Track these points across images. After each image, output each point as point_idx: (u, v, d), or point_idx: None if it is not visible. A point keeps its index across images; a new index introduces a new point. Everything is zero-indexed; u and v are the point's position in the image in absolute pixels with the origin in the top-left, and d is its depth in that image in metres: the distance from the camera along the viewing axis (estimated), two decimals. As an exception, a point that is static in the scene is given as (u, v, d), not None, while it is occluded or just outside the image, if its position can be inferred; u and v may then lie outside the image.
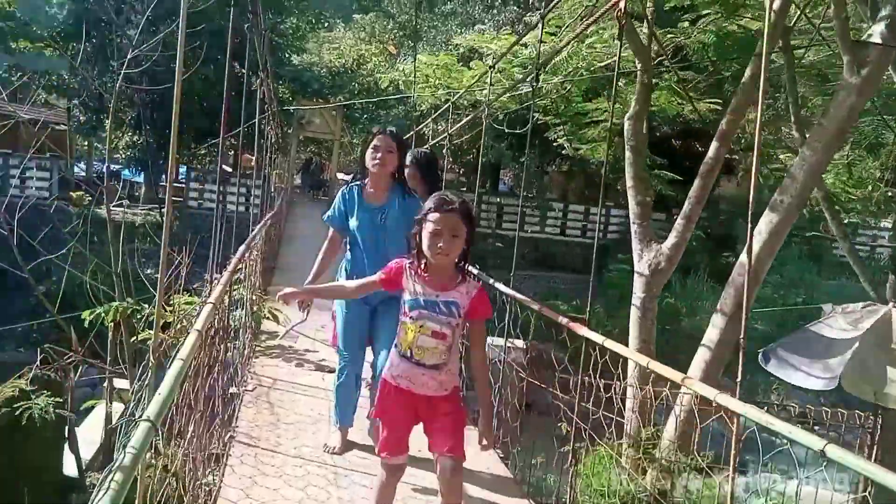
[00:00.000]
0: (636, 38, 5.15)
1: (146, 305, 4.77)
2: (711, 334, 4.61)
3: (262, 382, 4.34)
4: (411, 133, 16.93)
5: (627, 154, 5.28)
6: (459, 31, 17.49)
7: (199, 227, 20.72)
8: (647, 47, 5.33)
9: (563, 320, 3.59)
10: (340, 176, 27.18)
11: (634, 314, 5.31)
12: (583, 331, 3.37)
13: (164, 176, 24.38)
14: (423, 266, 2.38)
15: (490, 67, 5.17)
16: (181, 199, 21.81)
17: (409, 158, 3.67)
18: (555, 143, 11.28)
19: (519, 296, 4.04)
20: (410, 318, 2.38)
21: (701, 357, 4.56)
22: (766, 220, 4.77)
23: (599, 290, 22.79)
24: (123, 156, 24.38)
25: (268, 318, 5.40)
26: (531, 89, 4.82)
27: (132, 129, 22.48)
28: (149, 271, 18.54)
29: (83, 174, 27.14)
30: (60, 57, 20.66)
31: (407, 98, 18.78)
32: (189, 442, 2.53)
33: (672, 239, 5.11)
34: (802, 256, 22.30)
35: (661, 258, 5.01)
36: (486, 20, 17.64)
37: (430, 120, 10.02)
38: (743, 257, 4.41)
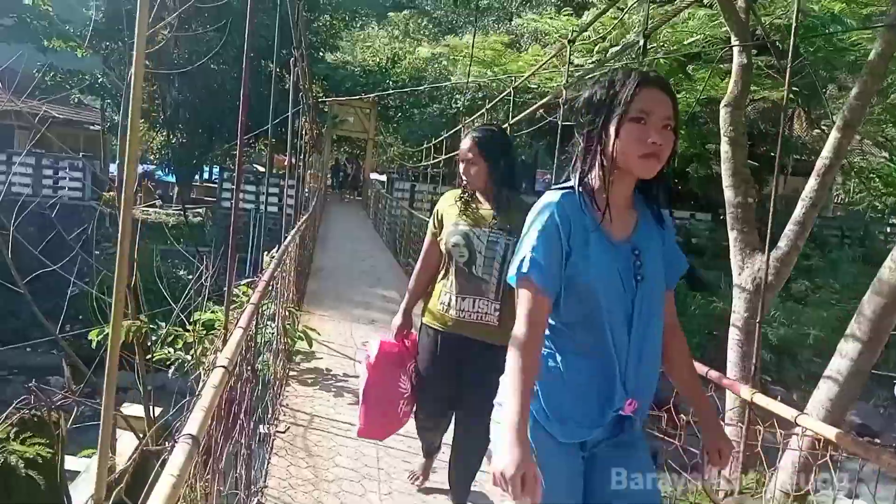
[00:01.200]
0: (733, 11, 4.37)
1: (162, 324, 4.12)
2: (839, 365, 3.78)
3: (297, 420, 3.66)
4: (441, 135, 16.27)
5: (725, 148, 4.48)
6: (510, 14, 16.69)
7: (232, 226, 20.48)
8: (746, 21, 4.54)
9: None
10: (374, 176, 26.66)
11: (734, 338, 4.50)
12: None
13: (195, 176, 24.11)
14: None
15: (569, 42, 4.41)
16: (214, 199, 21.46)
17: (467, 141, 2.65)
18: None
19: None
20: None
21: (825, 393, 3.75)
22: None
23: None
24: (157, 156, 24.17)
25: (300, 338, 4.72)
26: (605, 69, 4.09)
27: (165, 130, 22.21)
28: (181, 272, 18.24)
29: (116, 174, 26.96)
30: (94, 56, 20.44)
31: (447, 87, 18.02)
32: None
33: (782, 248, 4.29)
34: None
35: (768, 271, 4.19)
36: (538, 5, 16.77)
37: (486, 108, 9.06)
38: (884, 271, 3.57)
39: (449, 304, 2.59)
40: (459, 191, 2.72)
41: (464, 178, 2.67)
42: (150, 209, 21.89)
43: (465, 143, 2.68)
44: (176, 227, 21.23)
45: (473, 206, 2.66)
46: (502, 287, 2.51)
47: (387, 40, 27.98)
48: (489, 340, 2.53)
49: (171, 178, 24.46)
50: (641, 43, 3.31)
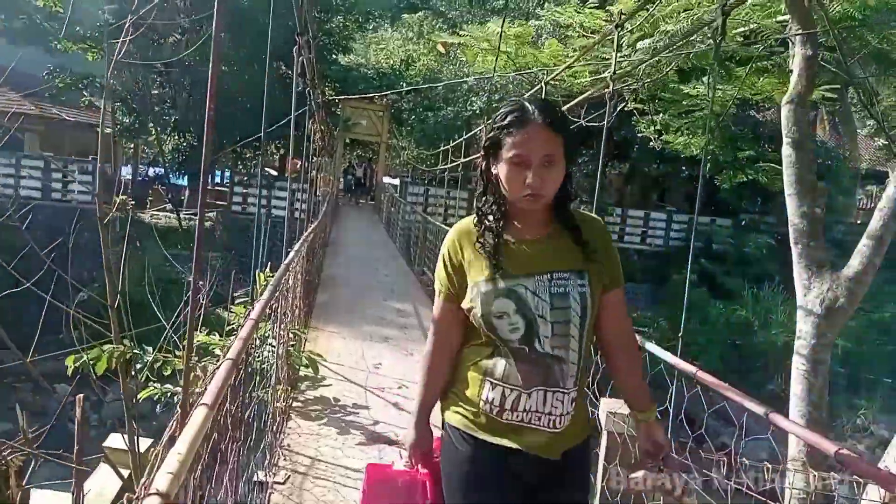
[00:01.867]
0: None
1: (148, 349, 3.66)
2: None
3: (298, 465, 3.17)
4: (457, 140, 15.79)
5: (787, 151, 3.94)
6: (527, 14, 16.19)
7: (243, 231, 20.15)
8: (808, 7, 4.02)
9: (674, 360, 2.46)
10: (387, 180, 26.26)
11: (798, 368, 3.94)
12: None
13: (206, 179, 23.72)
14: None
15: (616, 27, 3.87)
16: (224, 204, 21.14)
17: (536, 126, 1.58)
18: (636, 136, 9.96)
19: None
20: None
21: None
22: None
23: (662, 301, 21.29)
24: (169, 160, 23.92)
25: (305, 365, 4.23)
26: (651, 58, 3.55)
27: (176, 132, 21.93)
28: (191, 278, 17.94)
29: (129, 177, 26.90)
30: (103, 58, 20.17)
31: (468, 82, 17.50)
32: None
33: (854, 266, 3.75)
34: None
35: (840, 291, 3.66)
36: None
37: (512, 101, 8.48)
38: None
39: (501, 403, 1.63)
40: (473, 219, 1.73)
41: (524, 190, 1.60)
42: (161, 213, 21.62)
43: (533, 130, 1.57)
44: (186, 231, 20.94)
45: (512, 239, 1.67)
46: (581, 362, 1.65)
47: (400, 42, 27.60)
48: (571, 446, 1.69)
49: (183, 182, 24.20)
50: (719, 22, 2.79)
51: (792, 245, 4.06)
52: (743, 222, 24.43)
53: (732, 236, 23.12)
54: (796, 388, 3.91)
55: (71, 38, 19.39)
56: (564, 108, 4.68)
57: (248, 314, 2.32)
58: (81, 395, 2.48)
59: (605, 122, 3.39)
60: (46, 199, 18.45)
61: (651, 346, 2.74)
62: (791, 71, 4.01)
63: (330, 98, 24.24)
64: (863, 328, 17.31)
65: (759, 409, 2.23)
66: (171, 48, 19.65)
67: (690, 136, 6.96)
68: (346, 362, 5.15)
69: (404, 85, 24.26)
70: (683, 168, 22.07)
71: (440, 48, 26.88)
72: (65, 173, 19.09)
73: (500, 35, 5.83)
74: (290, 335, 3.99)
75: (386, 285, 9.02)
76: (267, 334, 3.17)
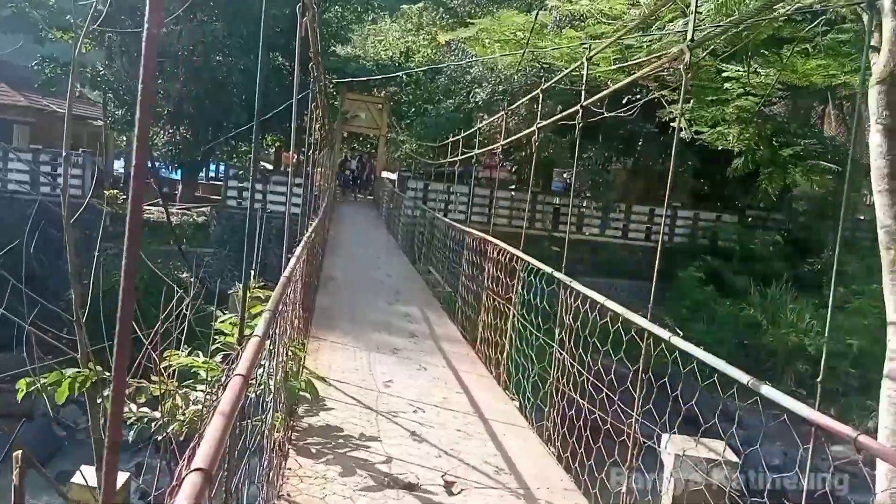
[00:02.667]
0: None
1: (108, 375, 3.13)
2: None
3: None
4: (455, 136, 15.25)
5: (877, 140, 3.40)
6: (529, 5, 15.61)
7: (237, 227, 19.60)
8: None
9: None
10: (386, 174, 25.71)
11: (889, 393, 3.39)
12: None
13: (200, 174, 23.22)
14: None
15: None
16: (218, 198, 20.62)
17: None
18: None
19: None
20: None
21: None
22: None
23: (667, 299, 20.84)
24: (161, 153, 23.35)
25: (304, 391, 3.64)
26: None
27: (170, 125, 21.34)
28: (184, 275, 17.35)
29: (122, 171, 26.35)
30: (96, 48, 19.57)
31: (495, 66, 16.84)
32: None
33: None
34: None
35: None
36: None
37: (556, 81, 7.35)
38: None
39: None
40: None
41: None
42: (153, 208, 21.06)
43: None
44: (179, 226, 20.39)
45: None
46: None
47: (400, 34, 27.04)
48: None
49: (176, 176, 23.66)
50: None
51: (882, 251, 3.48)
52: (749, 219, 23.98)
53: (739, 233, 22.68)
54: (887, 419, 3.35)
55: (62, 26, 18.79)
56: (609, 91, 4.14)
57: (234, 369, 1.77)
58: (20, 453, 1.95)
59: (678, 107, 2.87)
60: (35, 192, 17.88)
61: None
62: (874, 47, 3.49)
63: (329, 88, 23.70)
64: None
65: (848, 432, 1.83)
66: (164, 37, 19.04)
67: (728, 127, 6.39)
68: (351, 379, 4.61)
69: (404, 76, 23.73)
70: (689, 163, 21.57)
71: (442, 41, 26.40)
72: (54, 166, 18.49)
73: (535, 20, 5.27)
74: (290, 353, 3.45)
75: (390, 287, 8.45)
76: (263, 362, 2.65)
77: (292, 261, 3.48)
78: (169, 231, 19.78)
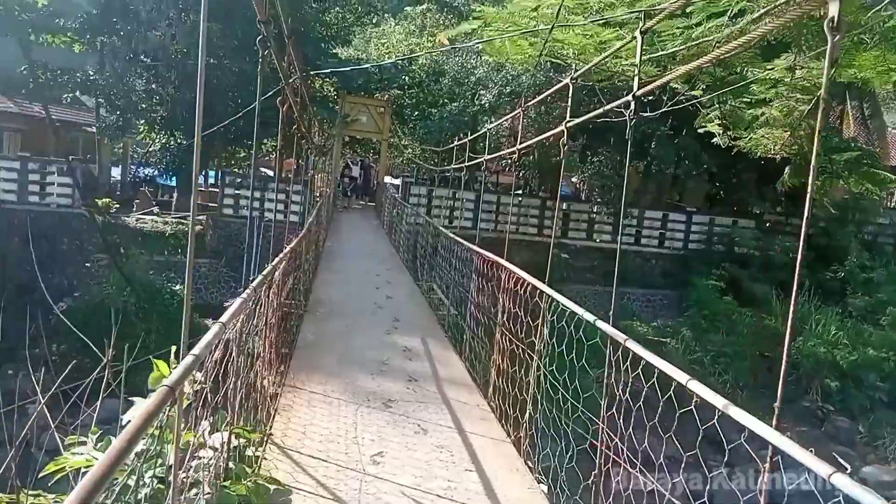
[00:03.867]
0: None
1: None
2: None
3: None
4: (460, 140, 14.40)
5: None
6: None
7: (233, 235, 18.79)
8: None
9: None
10: (388, 180, 24.87)
11: None
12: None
13: (196, 180, 22.44)
14: None
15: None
16: (215, 206, 19.84)
17: None
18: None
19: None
20: None
21: None
22: None
23: (683, 309, 19.89)
24: (157, 160, 22.63)
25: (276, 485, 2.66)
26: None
27: (164, 131, 20.61)
28: (177, 287, 16.51)
29: (117, 179, 25.62)
30: (87, 52, 18.83)
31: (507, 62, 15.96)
32: None
33: None
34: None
35: None
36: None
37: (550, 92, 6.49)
38: None
39: None
40: None
41: None
42: (148, 217, 20.32)
43: None
44: (174, 235, 19.64)
45: None
46: None
47: (402, 36, 26.29)
48: None
49: (172, 182, 22.92)
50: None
51: None
52: (767, 224, 23.01)
53: (757, 238, 21.70)
54: None
55: (52, 30, 18.03)
56: (662, 80, 3.25)
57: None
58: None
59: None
60: (23, 202, 17.14)
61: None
62: None
63: (329, 95, 22.93)
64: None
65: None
66: (158, 40, 18.28)
67: (771, 130, 5.52)
68: (330, 453, 3.66)
69: (406, 79, 22.92)
70: (705, 166, 20.65)
71: (443, 41, 25.51)
72: (43, 175, 17.74)
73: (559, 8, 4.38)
74: (236, 439, 2.49)
75: (389, 312, 7.46)
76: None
77: (233, 305, 2.50)
78: (165, 240, 19.05)
